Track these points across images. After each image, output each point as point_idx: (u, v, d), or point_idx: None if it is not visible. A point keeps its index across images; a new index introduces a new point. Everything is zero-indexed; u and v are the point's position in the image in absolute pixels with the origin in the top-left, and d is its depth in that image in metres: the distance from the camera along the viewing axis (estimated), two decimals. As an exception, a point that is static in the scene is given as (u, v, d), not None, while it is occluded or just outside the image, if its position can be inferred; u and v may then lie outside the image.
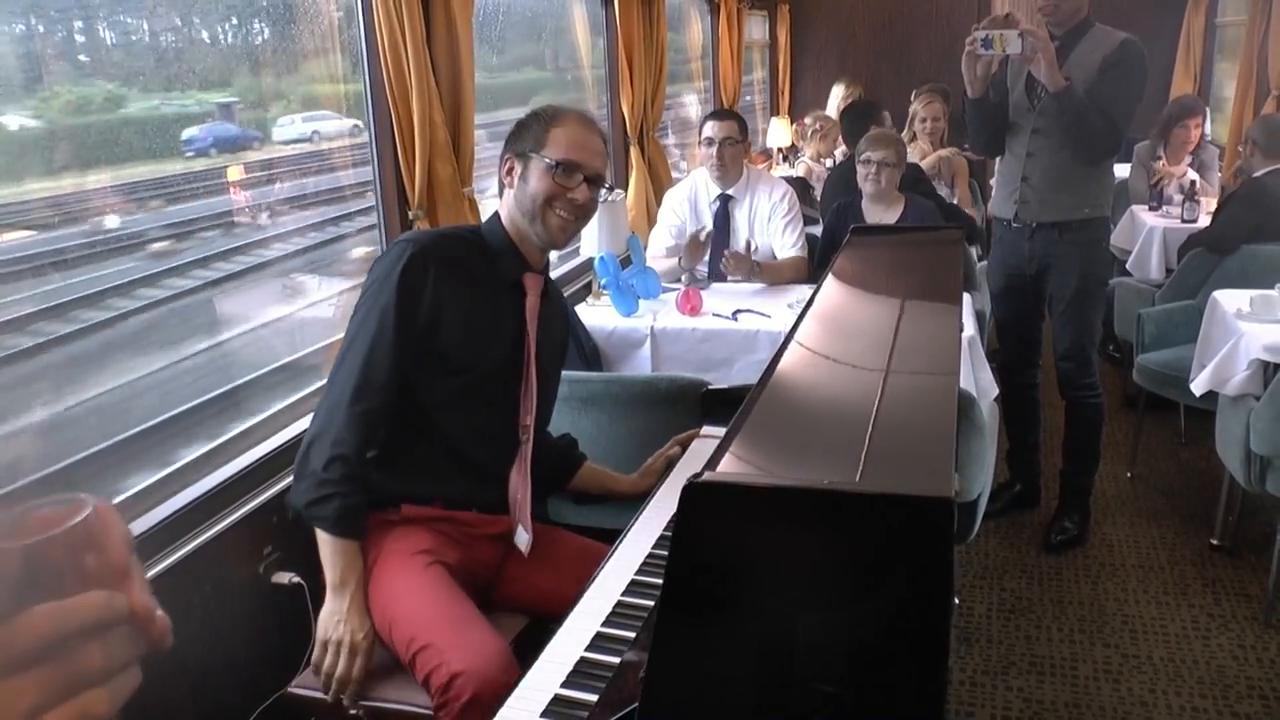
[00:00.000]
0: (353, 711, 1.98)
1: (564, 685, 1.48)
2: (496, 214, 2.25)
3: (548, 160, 2.13)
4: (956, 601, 3.30)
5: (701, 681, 1.08)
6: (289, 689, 2.06)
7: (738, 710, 1.06)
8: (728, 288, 3.95)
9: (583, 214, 2.20)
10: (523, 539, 2.20)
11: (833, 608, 1.02)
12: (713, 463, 1.07)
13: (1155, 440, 4.69)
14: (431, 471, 2.15)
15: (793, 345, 1.47)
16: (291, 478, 2.08)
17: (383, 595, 2.00)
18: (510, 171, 2.20)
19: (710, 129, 4.06)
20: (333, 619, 1.98)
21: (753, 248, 4.04)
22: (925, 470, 0.99)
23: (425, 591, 1.99)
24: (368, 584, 2.04)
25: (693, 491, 0.94)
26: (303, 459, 2.04)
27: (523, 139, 2.18)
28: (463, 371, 2.13)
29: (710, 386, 2.65)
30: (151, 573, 2.10)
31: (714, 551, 1.00)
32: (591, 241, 3.93)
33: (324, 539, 2.01)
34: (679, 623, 1.05)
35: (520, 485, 2.21)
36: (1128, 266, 5.48)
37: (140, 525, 2.15)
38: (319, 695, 2.01)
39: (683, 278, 4.03)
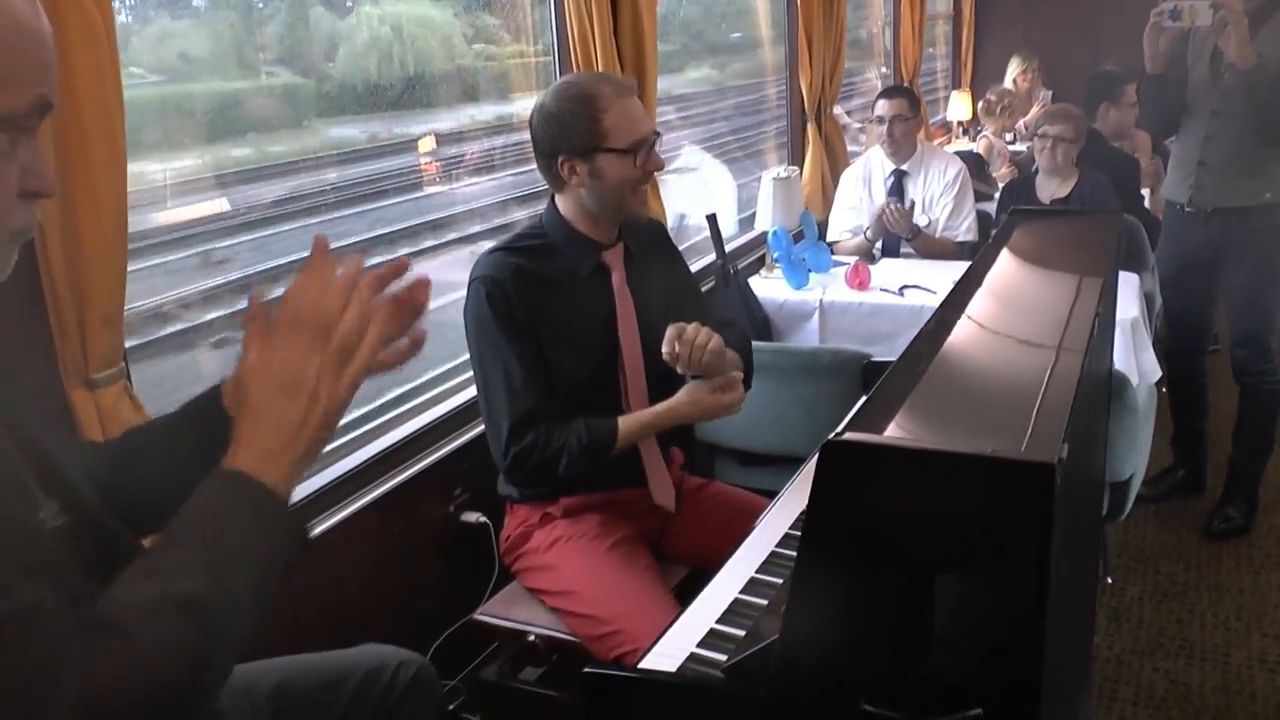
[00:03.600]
0: (530, 638, 2.21)
1: (719, 621, 1.66)
2: (554, 209, 2.24)
3: (619, 149, 2.11)
4: (1109, 581, 3.34)
5: (831, 620, 1.24)
6: (474, 616, 2.29)
7: (861, 647, 1.23)
8: (895, 264, 4.05)
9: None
10: (663, 499, 2.31)
11: (949, 567, 1.16)
12: (856, 422, 1.23)
13: (1338, 431, 4.54)
14: None
15: (937, 318, 1.61)
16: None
17: (564, 582, 2.16)
18: (573, 172, 2.14)
19: (881, 106, 4.18)
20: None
21: (926, 222, 4.14)
22: (1034, 436, 1.12)
23: (604, 574, 2.13)
24: (547, 573, 2.21)
25: (830, 449, 1.10)
26: (508, 471, 2.19)
27: (571, 137, 2.12)
28: (576, 374, 2.20)
29: (872, 359, 2.78)
30: (356, 506, 2.37)
31: (847, 506, 1.16)
32: (766, 216, 4.09)
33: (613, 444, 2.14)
34: (814, 567, 1.21)
35: (648, 455, 2.29)
36: None
37: (347, 464, 2.42)
38: (500, 623, 2.25)
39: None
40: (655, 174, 2.32)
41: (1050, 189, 4.20)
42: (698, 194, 4.97)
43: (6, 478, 0.99)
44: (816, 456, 1.13)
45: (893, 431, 1.20)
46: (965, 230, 4.17)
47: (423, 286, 1.14)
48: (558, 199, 2.24)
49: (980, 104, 7.00)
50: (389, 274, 1.12)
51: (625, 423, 2.15)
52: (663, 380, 2.27)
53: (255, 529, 1.01)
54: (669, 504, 2.32)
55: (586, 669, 1.50)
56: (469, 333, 2.19)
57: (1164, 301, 3.91)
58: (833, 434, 1.10)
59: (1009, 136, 6.71)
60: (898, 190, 4.23)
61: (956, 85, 8.31)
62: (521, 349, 2.14)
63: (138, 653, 0.89)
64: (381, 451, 2.47)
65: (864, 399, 1.28)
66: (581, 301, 2.21)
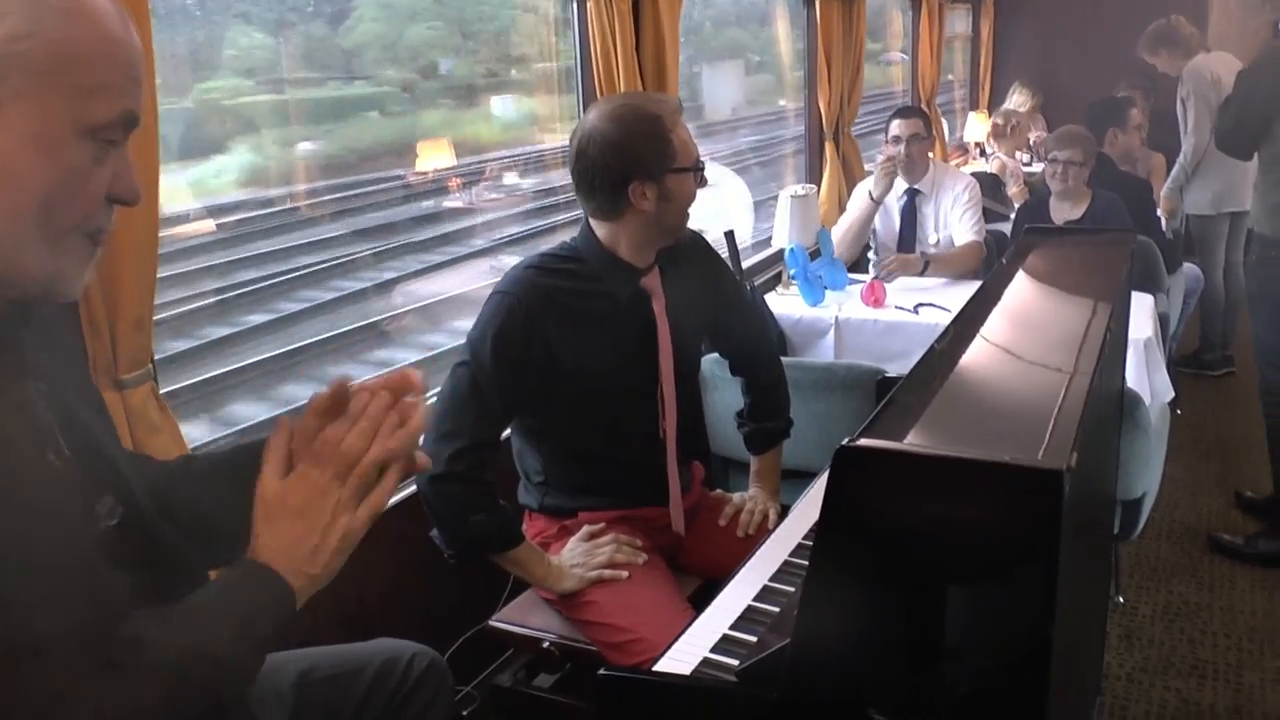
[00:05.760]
0: (544, 645, 2.24)
1: (732, 627, 1.68)
2: (590, 235, 2.19)
3: (686, 168, 2.11)
4: (1120, 600, 3.35)
5: (842, 626, 1.27)
6: (489, 622, 2.31)
7: (872, 653, 1.25)
8: (912, 281, 4.08)
9: None
10: (678, 523, 2.34)
11: (959, 575, 1.19)
12: (869, 430, 1.25)
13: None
14: (597, 483, 2.28)
15: (950, 334, 1.65)
16: None
17: (582, 591, 2.16)
18: (643, 197, 2.09)
19: (896, 127, 4.19)
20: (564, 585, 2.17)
21: (936, 240, 4.17)
22: (1045, 446, 1.15)
23: (622, 583, 2.14)
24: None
25: (843, 454, 1.13)
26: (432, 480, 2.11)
27: (644, 159, 2.07)
28: (597, 396, 2.18)
29: (886, 374, 2.81)
30: (378, 510, 2.41)
31: (859, 511, 1.18)
32: (783, 233, 4.12)
33: (498, 559, 2.18)
34: (826, 572, 1.24)
35: (672, 480, 2.31)
36: None
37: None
38: (515, 630, 2.27)
39: (870, 269, 4.21)
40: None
41: (1064, 211, 4.26)
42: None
43: (68, 471, 1.03)
44: (830, 464, 1.16)
45: (905, 439, 1.23)
46: (974, 232, 4.16)
47: (416, 408, 1.19)
48: (597, 225, 2.18)
49: (990, 128, 7.05)
50: (399, 387, 1.18)
51: (528, 545, 2.20)
52: (682, 420, 2.31)
53: (272, 618, 1.11)
54: (681, 528, 2.35)
55: (601, 671, 1.53)
56: (471, 336, 2.13)
57: (1257, 330, 3.67)
58: (846, 440, 1.14)
59: (1025, 157, 6.75)
60: (911, 210, 4.26)
61: (974, 106, 8.35)
62: (508, 383, 2.10)
63: (142, 695, 0.97)
64: (401, 460, 2.50)
65: (877, 409, 1.31)
66: (616, 326, 2.18)
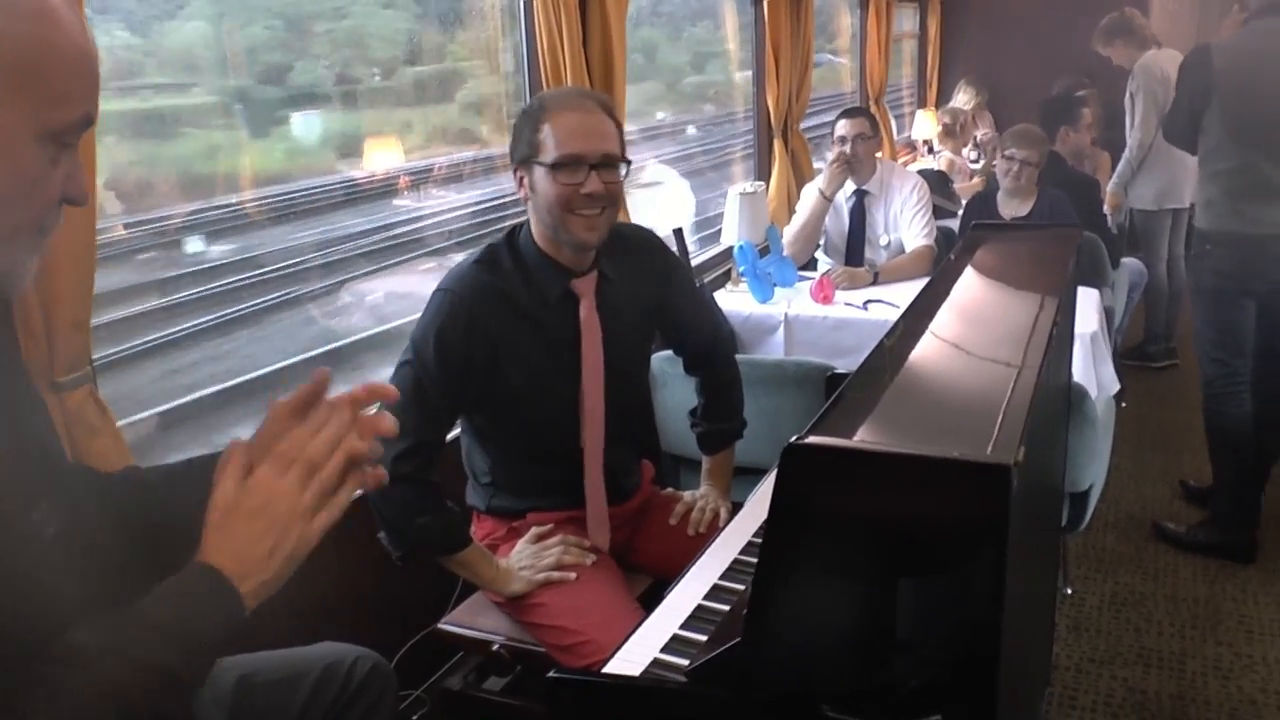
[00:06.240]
0: (494, 648, 2.21)
1: (682, 627, 1.67)
2: (528, 227, 2.14)
3: (545, 163, 2.00)
4: (1069, 591, 3.39)
5: (793, 623, 1.26)
6: (439, 625, 2.29)
7: (823, 651, 1.25)
8: (860, 278, 4.09)
9: (607, 203, 2.05)
10: (598, 538, 2.27)
11: (908, 571, 1.19)
12: (818, 427, 1.25)
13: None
14: (545, 485, 2.26)
15: (899, 329, 1.65)
16: None
17: (534, 595, 2.14)
18: (523, 184, 2.08)
19: (842, 127, 4.18)
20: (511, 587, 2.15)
21: (887, 242, 4.17)
22: (994, 441, 1.15)
23: (571, 585, 2.12)
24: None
25: (791, 452, 1.13)
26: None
27: (519, 146, 2.05)
28: (532, 408, 2.15)
29: (835, 371, 2.81)
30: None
31: (808, 508, 1.18)
32: (732, 230, 4.12)
33: (445, 561, 2.16)
34: (776, 570, 1.23)
35: (591, 493, 2.25)
36: None
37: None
38: (465, 632, 2.25)
39: (818, 265, 4.21)
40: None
41: (1011, 207, 4.30)
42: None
43: (5, 476, 1.01)
44: (779, 461, 1.15)
45: (854, 436, 1.23)
46: (925, 236, 4.17)
47: (385, 420, 1.17)
48: (529, 215, 2.14)
49: (939, 129, 7.10)
50: (366, 398, 1.17)
51: (476, 547, 2.17)
52: (624, 421, 2.28)
53: (221, 625, 1.06)
54: (603, 544, 2.28)
55: (550, 674, 1.52)
56: (414, 335, 2.09)
57: (1204, 329, 3.62)
58: (794, 438, 1.13)
59: (973, 154, 6.82)
60: (859, 210, 4.26)
61: (922, 104, 8.41)
62: (454, 383, 2.07)
63: (79, 707, 0.94)
64: (348, 460, 2.47)
65: (826, 405, 1.30)
66: (546, 329, 2.13)
